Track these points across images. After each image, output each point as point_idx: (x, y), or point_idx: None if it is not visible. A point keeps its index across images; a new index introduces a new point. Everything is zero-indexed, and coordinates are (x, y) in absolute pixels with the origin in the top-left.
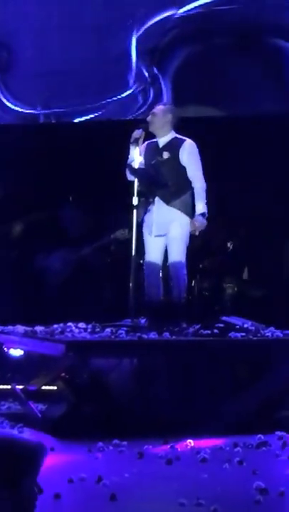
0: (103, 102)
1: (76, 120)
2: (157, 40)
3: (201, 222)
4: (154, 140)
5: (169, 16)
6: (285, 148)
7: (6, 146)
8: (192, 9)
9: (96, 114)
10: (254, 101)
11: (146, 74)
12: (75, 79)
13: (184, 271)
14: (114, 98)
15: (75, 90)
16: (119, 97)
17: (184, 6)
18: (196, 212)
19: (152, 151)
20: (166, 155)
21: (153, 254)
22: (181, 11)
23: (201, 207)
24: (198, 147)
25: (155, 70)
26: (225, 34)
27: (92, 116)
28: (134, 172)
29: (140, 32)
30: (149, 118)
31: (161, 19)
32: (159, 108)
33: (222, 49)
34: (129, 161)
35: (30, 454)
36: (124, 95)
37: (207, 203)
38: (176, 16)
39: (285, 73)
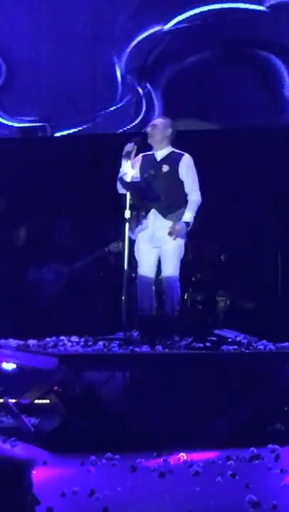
0: (94, 115)
1: (66, 132)
2: (148, 54)
3: (181, 229)
4: (150, 153)
5: (158, 30)
6: (278, 161)
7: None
8: (180, 22)
9: (86, 127)
10: (245, 114)
11: (138, 88)
12: (67, 92)
13: (177, 284)
14: (106, 111)
15: (66, 104)
16: (110, 109)
17: (172, 19)
18: (182, 219)
19: (149, 164)
20: (165, 168)
21: (146, 267)
22: (170, 24)
23: (188, 216)
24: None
25: (147, 84)
26: (215, 47)
27: (82, 128)
28: (127, 185)
29: (131, 46)
30: (149, 130)
31: (151, 33)
32: (159, 121)
33: (213, 62)
34: (120, 174)
35: (17, 469)
36: (115, 108)
37: (195, 217)
38: (165, 30)
39: (275, 86)
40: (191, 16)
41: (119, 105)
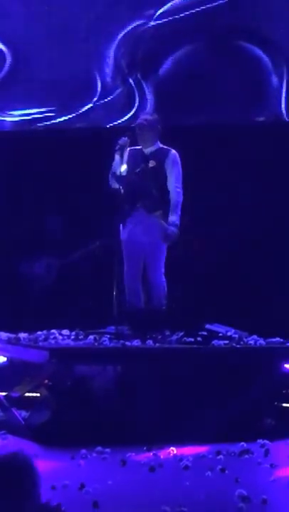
0: (86, 107)
1: (58, 120)
2: (139, 46)
3: (174, 233)
4: (138, 147)
5: (147, 21)
6: (269, 156)
7: None
8: (166, 13)
9: (71, 116)
10: (233, 108)
11: (130, 80)
12: (58, 84)
13: (162, 279)
14: (98, 103)
15: (56, 96)
16: (103, 101)
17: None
18: (169, 222)
19: (137, 159)
20: (152, 163)
21: (132, 261)
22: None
23: (174, 218)
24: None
25: (139, 77)
26: (202, 39)
27: (71, 119)
28: (119, 179)
29: (121, 37)
30: (136, 128)
31: (141, 24)
32: (146, 118)
33: (204, 54)
34: (113, 168)
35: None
36: (107, 100)
37: (180, 216)
38: (155, 21)
39: (261, 80)
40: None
41: (110, 98)
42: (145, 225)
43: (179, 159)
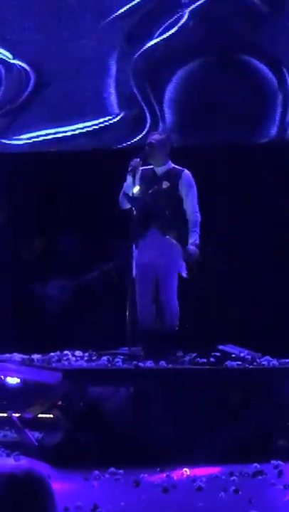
0: (96, 127)
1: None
2: (149, 63)
3: (194, 252)
4: (150, 167)
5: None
6: (275, 175)
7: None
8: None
9: (82, 136)
10: (241, 128)
11: (140, 99)
12: (70, 104)
13: (175, 300)
14: (107, 123)
15: (68, 115)
16: (112, 121)
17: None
18: (190, 242)
19: (149, 180)
20: (165, 184)
21: (145, 282)
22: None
23: (194, 237)
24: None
25: (150, 95)
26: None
27: (81, 137)
28: (132, 201)
29: (134, 56)
30: (146, 149)
31: (153, 44)
32: (156, 138)
33: (212, 70)
34: (124, 189)
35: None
36: (116, 120)
37: (200, 235)
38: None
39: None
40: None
41: (121, 117)
42: (159, 246)
43: (192, 179)
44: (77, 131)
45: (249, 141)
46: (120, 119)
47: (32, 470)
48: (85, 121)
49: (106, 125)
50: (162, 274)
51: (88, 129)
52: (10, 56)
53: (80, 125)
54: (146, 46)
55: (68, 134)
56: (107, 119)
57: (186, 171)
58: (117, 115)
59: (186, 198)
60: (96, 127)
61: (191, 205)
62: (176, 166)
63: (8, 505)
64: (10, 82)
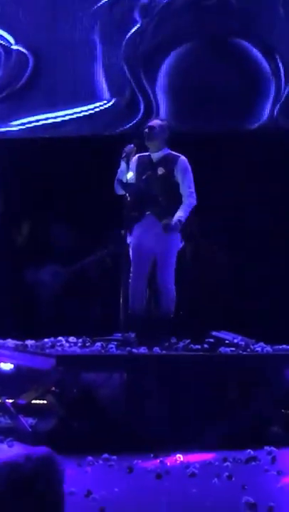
0: (92, 111)
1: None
2: (142, 48)
3: (175, 225)
4: (146, 154)
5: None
6: (273, 163)
7: None
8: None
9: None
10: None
11: (134, 84)
12: (63, 90)
13: (172, 286)
14: (102, 108)
15: (62, 101)
16: (105, 107)
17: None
18: (175, 216)
19: (145, 166)
20: (160, 170)
21: (140, 266)
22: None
23: (181, 214)
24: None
25: (143, 81)
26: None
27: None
28: (126, 186)
29: (125, 40)
30: (146, 132)
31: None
32: (157, 123)
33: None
34: (118, 175)
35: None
36: (110, 105)
37: (187, 218)
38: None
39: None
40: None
41: (113, 103)
42: (155, 231)
43: (188, 164)
44: (74, 116)
45: (242, 127)
46: (114, 104)
47: (46, 459)
48: (78, 107)
49: (100, 110)
50: (160, 259)
51: (85, 113)
52: (12, 41)
53: (74, 110)
54: (138, 31)
55: (63, 119)
56: (98, 104)
57: (183, 157)
58: (110, 101)
59: (182, 183)
60: (92, 111)
61: (187, 189)
62: (173, 152)
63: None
64: (7, 68)
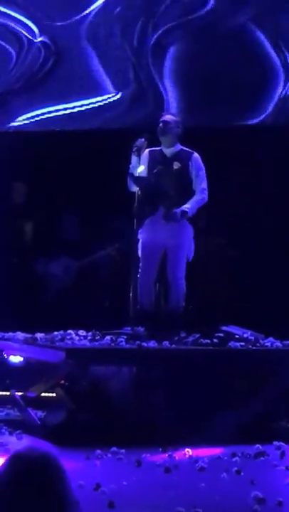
0: (101, 104)
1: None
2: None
3: (180, 215)
4: (158, 148)
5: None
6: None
7: (5, 154)
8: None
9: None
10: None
11: (142, 77)
12: (73, 83)
13: (182, 281)
14: (110, 101)
15: (72, 94)
16: (114, 99)
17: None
18: (183, 206)
19: (158, 160)
20: (176, 165)
21: (149, 264)
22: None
23: (189, 205)
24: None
25: (152, 73)
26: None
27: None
28: (137, 181)
29: (136, 33)
30: (161, 127)
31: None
32: (171, 118)
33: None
34: (130, 170)
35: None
36: (117, 98)
37: (195, 213)
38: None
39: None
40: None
41: (118, 96)
42: (168, 226)
43: (201, 161)
44: (83, 108)
45: (248, 120)
46: (123, 98)
47: (48, 453)
48: (87, 99)
49: (109, 103)
50: (172, 254)
51: (93, 105)
52: (37, 31)
53: (82, 102)
54: (147, 22)
55: (73, 111)
56: (106, 97)
57: (196, 154)
58: (118, 94)
59: (196, 180)
60: (100, 104)
61: (199, 185)
62: (185, 148)
63: (24, 489)
64: (25, 61)
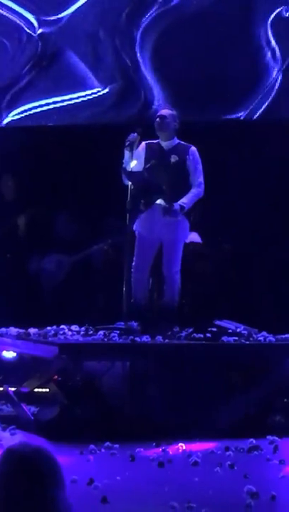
0: (90, 97)
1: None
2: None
3: (176, 210)
4: (156, 141)
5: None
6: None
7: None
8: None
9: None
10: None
11: (131, 70)
12: (63, 77)
13: (177, 276)
14: (100, 94)
15: (63, 87)
16: (102, 92)
17: None
18: (179, 201)
19: (156, 153)
20: (174, 158)
21: (143, 258)
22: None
23: (184, 200)
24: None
25: (144, 69)
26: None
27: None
28: (129, 175)
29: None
30: (158, 121)
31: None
32: (168, 112)
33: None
34: (124, 164)
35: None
36: (109, 93)
37: (191, 208)
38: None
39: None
40: None
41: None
42: (163, 220)
43: (198, 155)
44: (72, 102)
45: (240, 116)
46: (114, 92)
47: (41, 448)
48: (76, 93)
49: (99, 97)
50: (167, 247)
51: (83, 99)
52: (36, 24)
53: (70, 96)
54: (134, 15)
55: (62, 105)
56: (95, 90)
57: (193, 147)
58: (108, 88)
59: (193, 174)
60: (90, 97)
61: (196, 179)
62: (182, 142)
63: (17, 484)
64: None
